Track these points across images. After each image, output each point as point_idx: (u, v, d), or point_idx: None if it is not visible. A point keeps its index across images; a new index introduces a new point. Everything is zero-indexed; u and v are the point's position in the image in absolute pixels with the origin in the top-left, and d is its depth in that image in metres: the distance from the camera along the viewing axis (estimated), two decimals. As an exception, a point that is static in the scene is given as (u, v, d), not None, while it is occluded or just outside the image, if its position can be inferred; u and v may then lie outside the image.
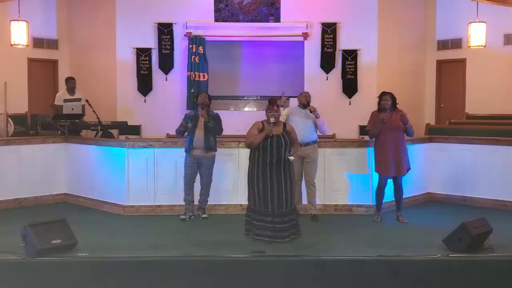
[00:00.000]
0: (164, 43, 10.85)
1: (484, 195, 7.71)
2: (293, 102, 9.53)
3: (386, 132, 6.71)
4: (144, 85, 10.91)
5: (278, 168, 5.84)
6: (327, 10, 10.92)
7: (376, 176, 6.95)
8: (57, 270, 4.99)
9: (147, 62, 10.85)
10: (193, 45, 10.62)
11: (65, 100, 9.21)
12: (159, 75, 10.92)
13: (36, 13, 11.10)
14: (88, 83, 10.54)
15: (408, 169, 6.84)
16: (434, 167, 8.13)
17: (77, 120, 8.84)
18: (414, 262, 5.16)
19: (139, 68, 10.88)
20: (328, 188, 7.33)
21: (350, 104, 10.93)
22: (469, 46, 10.72)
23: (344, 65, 10.90)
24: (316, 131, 7.05)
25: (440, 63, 12.13)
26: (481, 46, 10.52)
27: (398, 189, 6.89)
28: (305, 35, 10.84)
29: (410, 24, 11.83)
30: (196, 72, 10.63)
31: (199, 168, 6.88)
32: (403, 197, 6.99)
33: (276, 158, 5.83)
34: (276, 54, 11.43)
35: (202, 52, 10.65)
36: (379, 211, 6.97)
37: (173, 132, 7.42)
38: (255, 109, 11.41)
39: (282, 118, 6.43)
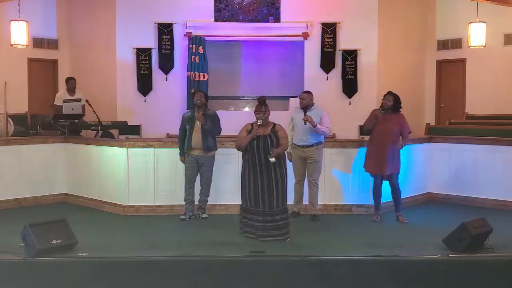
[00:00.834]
0: (164, 43, 10.83)
1: (484, 195, 7.72)
2: (294, 102, 9.53)
3: (378, 132, 6.75)
4: (144, 85, 10.88)
5: (268, 168, 5.87)
6: (327, 10, 10.89)
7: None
8: (57, 270, 5.00)
9: (147, 62, 10.83)
10: (193, 45, 10.60)
11: (65, 101, 9.22)
12: (159, 75, 10.90)
13: (36, 13, 11.07)
14: (88, 83, 10.53)
15: (397, 173, 6.83)
16: (434, 167, 8.13)
17: (77, 120, 8.85)
18: (414, 262, 5.17)
19: (139, 68, 10.85)
20: (328, 188, 7.33)
21: (350, 104, 10.90)
22: (469, 46, 10.71)
23: (344, 65, 10.88)
24: None
25: (440, 63, 12.12)
26: (481, 46, 10.51)
27: (394, 190, 6.90)
28: (305, 35, 10.82)
29: (410, 24, 11.81)
30: (196, 72, 10.61)
31: (199, 168, 6.87)
32: (401, 197, 7.00)
33: (265, 159, 5.86)
34: (276, 54, 11.40)
35: (202, 52, 10.62)
36: (378, 210, 6.98)
37: (173, 132, 7.41)
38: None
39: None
